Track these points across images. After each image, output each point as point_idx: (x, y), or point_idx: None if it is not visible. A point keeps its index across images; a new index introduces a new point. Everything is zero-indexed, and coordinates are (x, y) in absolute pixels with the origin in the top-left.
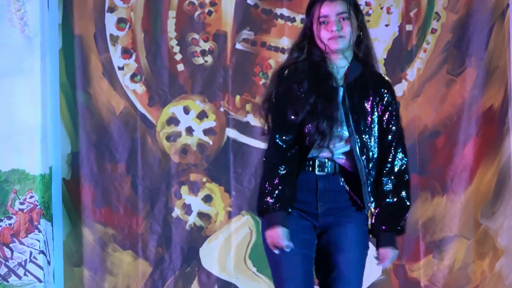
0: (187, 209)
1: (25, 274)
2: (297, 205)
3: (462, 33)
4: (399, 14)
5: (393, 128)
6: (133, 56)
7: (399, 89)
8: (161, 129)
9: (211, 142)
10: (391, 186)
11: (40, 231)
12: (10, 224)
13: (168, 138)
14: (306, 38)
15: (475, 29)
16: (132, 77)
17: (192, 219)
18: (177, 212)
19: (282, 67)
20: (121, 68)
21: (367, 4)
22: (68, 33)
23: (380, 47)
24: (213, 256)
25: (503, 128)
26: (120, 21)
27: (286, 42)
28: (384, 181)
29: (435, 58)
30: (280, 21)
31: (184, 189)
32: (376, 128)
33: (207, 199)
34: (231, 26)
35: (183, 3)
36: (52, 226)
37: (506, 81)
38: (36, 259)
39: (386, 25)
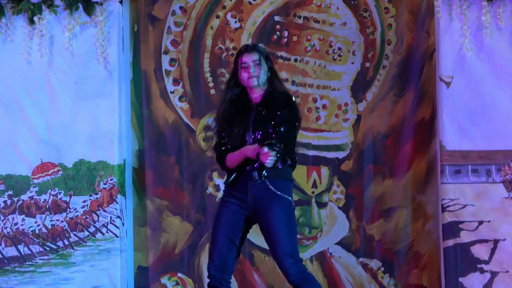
0: (217, 188)
1: (107, 232)
2: None
3: (404, 68)
4: (361, 55)
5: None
6: (180, 84)
7: (361, 106)
8: (199, 133)
9: None
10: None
11: (117, 203)
12: (97, 198)
13: (204, 139)
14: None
15: (412, 66)
16: (180, 98)
17: (220, 194)
18: (210, 190)
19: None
20: (172, 92)
21: (339, 49)
22: (136, 68)
23: (348, 78)
24: None
25: (431, 133)
26: (172, 60)
27: (284, 75)
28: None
29: (385, 85)
30: (280, 60)
31: (215, 174)
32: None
33: None
34: None
35: (214, 47)
36: (125, 199)
37: (433, 101)
38: (114, 221)
39: (352, 63)
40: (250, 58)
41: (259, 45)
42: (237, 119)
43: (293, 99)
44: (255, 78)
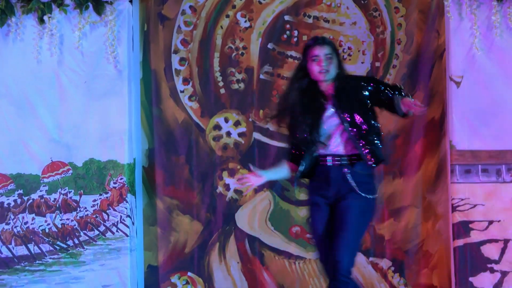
0: (227, 187)
1: (117, 231)
2: None
3: (414, 68)
4: (371, 55)
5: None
6: (190, 83)
7: None
8: (209, 132)
9: (243, 142)
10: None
11: (127, 202)
12: (107, 197)
13: (214, 139)
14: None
15: (422, 65)
16: (190, 98)
17: (230, 194)
18: (220, 189)
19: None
20: (182, 92)
21: (349, 48)
22: (146, 67)
23: None
24: (244, 219)
25: (441, 133)
26: (182, 59)
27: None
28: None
29: None
30: (290, 59)
31: (225, 173)
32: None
33: None
34: (257, 63)
35: (224, 47)
36: (135, 198)
37: (443, 101)
38: (124, 220)
39: (362, 63)
40: (322, 51)
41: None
42: (311, 111)
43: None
44: (327, 72)
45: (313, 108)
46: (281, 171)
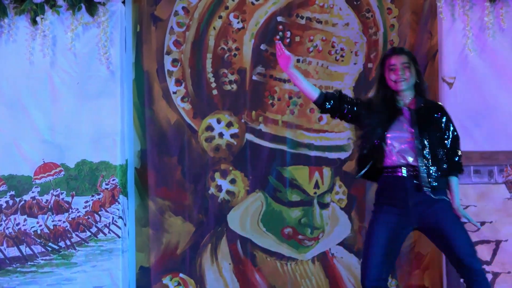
0: (219, 188)
1: (109, 232)
2: None
3: None
4: (363, 56)
5: (450, 134)
6: (183, 85)
7: None
8: (202, 134)
9: (235, 143)
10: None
11: (119, 203)
12: (99, 198)
13: (206, 140)
14: (381, 82)
15: None
16: (182, 99)
17: (222, 195)
18: (212, 190)
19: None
20: (174, 93)
21: (342, 49)
22: (139, 68)
23: (350, 79)
24: (236, 220)
25: None
26: (174, 60)
27: (286, 75)
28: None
29: None
30: None
31: (217, 175)
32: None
33: (232, 181)
34: (249, 64)
35: (217, 48)
36: (127, 199)
37: (437, 99)
38: (116, 222)
39: (355, 63)
40: (398, 61)
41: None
42: (383, 120)
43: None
44: (404, 82)
45: (388, 117)
46: (312, 89)
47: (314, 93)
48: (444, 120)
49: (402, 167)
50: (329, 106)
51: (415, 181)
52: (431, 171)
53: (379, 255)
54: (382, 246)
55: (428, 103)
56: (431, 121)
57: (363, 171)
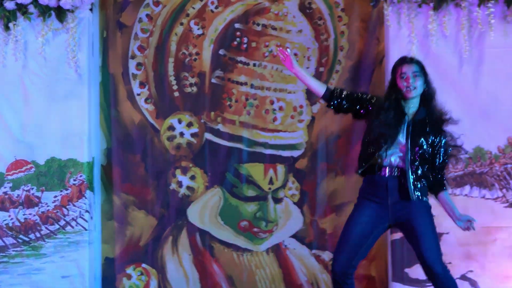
0: (180, 184)
1: (76, 225)
2: None
3: (355, 73)
4: (315, 61)
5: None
6: (146, 87)
7: (315, 108)
8: (164, 133)
9: (195, 142)
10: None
11: (86, 198)
12: (67, 194)
13: (168, 139)
14: (392, 88)
15: (363, 71)
16: (146, 100)
17: (183, 190)
18: (173, 186)
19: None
20: (138, 94)
21: (295, 54)
22: (105, 72)
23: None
24: (196, 214)
25: None
26: (138, 64)
27: (243, 78)
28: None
29: None
30: (239, 64)
31: (178, 171)
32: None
33: (192, 177)
34: (209, 68)
35: (178, 53)
36: (94, 194)
37: None
38: (83, 215)
39: (307, 68)
40: (409, 69)
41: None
42: (390, 126)
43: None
44: (414, 90)
45: (394, 123)
46: (319, 85)
47: (321, 89)
48: (443, 140)
49: (388, 167)
50: (333, 105)
51: (399, 184)
52: (416, 180)
53: (352, 245)
54: (356, 237)
55: (433, 117)
56: (426, 136)
57: (363, 167)
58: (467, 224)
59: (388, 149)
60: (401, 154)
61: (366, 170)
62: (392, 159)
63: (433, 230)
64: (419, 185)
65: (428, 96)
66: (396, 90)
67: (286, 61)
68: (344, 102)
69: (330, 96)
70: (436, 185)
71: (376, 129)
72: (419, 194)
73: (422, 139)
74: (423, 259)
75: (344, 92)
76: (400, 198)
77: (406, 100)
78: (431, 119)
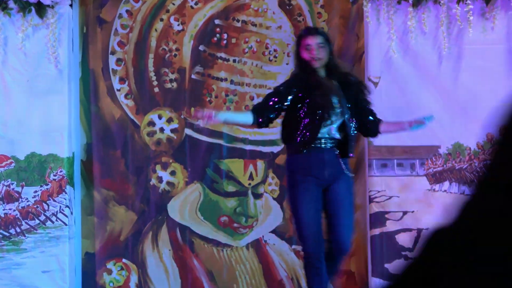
0: (160, 179)
1: (56, 220)
2: None
3: None
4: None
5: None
6: (126, 83)
7: None
8: (144, 128)
9: (175, 137)
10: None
11: (66, 193)
12: (47, 189)
13: (148, 134)
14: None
15: None
16: (126, 96)
17: (163, 186)
18: (153, 181)
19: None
20: (118, 90)
21: (275, 50)
22: (85, 67)
23: (283, 78)
24: (176, 209)
25: None
26: (118, 60)
27: (223, 74)
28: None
29: None
30: (219, 60)
31: (158, 167)
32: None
33: (172, 173)
34: (189, 63)
35: (158, 48)
36: (74, 190)
37: None
38: (63, 210)
39: (287, 64)
40: (314, 41)
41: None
42: (308, 95)
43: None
44: (319, 61)
45: (322, 89)
46: (244, 117)
47: (248, 119)
48: (361, 85)
49: (323, 139)
50: (264, 122)
51: (336, 152)
52: (351, 142)
53: (314, 225)
54: (313, 217)
55: (342, 75)
56: (349, 88)
57: (306, 147)
58: (422, 121)
59: (327, 119)
60: (339, 121)
61: (298, 147)
62: (327, 129)
63: (351, 213)
64: (351, 146)
65: (332, 66)
66: (304, 62)
67: (207, 119)
68: (271, 115)
69: (257, 116)
70: (373, 125)
71: (312, 102)
72: (347, 167)
73: (344, 98)
74: (335, 234)
75: (262, 105)
76: (334, 169)
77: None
78: (343, 80)
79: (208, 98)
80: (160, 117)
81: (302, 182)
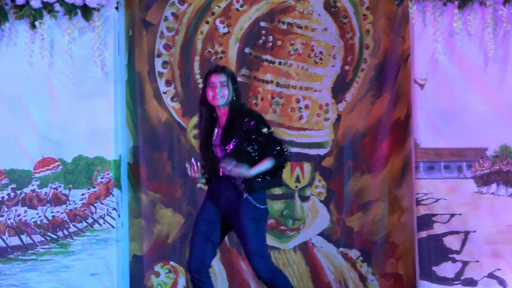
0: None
1: (104, 223)
2: None
3: (380, 71)
4: (340, 59)
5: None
6: (172, 85)
7: (341, 107)
8: (190, 131)
9: None
10: None
11: (113, 196)
12: (94, 191)
13: (194, 137)
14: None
15: (389, 69)
16: (172, 98)
17: None
18: (199, 184)
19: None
20: (164, 93)
21: (321, 53)
22: (131, 70)
23: (329, 80)
24: None
25: (406, 132)
26: (164, 63)
27: (269, 77)
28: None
29: (363, 87)
30: (265, 63)
31: None
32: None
33: None
34: (234, 66)
35: (204, 51)
36: (121, 192)
37: (408, 102)
38: (111, 213)
39: (333, 66)
40: (217, 79)
41: (227, 68)
42: (208, 135)
43: (256, 113)
44: (221, 98)
45: (208, 129)
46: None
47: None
48: (252, 124)
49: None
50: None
51: (232, 181)
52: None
53: (201, 244)
54: (202, 236)
55: (241, 113)
56: (240, 128)
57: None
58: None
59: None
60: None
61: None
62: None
63: (256, 229)
64: (245, 184)
65: (234, 104)
66: (205, 100)
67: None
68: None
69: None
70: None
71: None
72: (243, 185)
73: (234, 138)
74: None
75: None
76: (230, 195)
77: (217, 108)
78: (241, 115)
79: (254, 101)
80: None
81: None
